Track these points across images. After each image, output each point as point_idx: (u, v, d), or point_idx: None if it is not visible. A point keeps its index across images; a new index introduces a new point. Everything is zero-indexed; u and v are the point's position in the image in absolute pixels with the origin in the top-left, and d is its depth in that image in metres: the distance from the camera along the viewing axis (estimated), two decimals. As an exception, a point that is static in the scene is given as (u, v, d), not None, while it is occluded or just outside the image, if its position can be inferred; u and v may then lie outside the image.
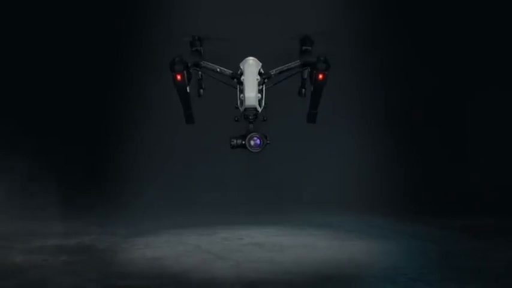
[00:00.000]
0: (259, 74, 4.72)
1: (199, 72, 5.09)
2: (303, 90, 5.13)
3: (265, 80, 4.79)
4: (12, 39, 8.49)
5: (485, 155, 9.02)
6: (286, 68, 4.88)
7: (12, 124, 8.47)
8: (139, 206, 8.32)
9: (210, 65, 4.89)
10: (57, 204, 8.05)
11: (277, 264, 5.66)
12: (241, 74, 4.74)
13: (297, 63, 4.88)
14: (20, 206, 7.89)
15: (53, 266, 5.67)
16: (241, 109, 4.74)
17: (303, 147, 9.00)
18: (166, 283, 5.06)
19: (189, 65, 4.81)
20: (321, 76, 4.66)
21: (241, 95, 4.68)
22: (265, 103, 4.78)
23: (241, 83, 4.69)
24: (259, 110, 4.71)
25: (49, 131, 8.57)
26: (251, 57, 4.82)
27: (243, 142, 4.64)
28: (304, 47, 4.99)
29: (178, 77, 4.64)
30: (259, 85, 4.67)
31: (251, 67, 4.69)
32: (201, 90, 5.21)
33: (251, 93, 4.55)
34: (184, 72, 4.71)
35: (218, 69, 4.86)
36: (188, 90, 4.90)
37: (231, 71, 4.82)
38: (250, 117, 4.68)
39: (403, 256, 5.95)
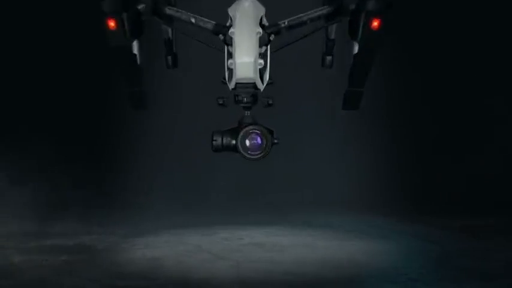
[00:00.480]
0: (261, 26, 2.96)
1: (169, 29, 3.49)
2: (329, 58, 3.57)
3: (271, 38, 3.04)
4: (6, 36, 8.48)
5: (485, 155, 9.03)
6: (306, 17, 3.09)
7: (17, 122, 8.48)
8: (140, 206, 8.34)
9: (180, 12, 3.13)
10: (56, 204, 8.06)
11: (277, 264, 5.68)
12: (231, 26, 2.96)
13: (324, 9, 3.12)
14: (18, 205, 7.90)
15: (53, 266, 5.68)
16: (231, 85, 3.01)
17: (303, 144, 8.99)
18: (166, 283, 5.08)
19: (140, 8, 3.09)
20: (376, 23, 2.85)
21: (230, 62, 2.89)
22: (270, 77, 3.09)
23: (230, 42, 2.92)
24: (261, 87, 2.99)
25: (49, 129, 8.57)
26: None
27: (233, 142, 2.99)
28: None
29: (112, 24, 2.91)
30: (260, 46, 2.92)
31: (247, 14, 2.91)
32: (170, 58, 3.60)
33: (246, 58, 2.78)
34: (124, 16, 2.98)
35: (193, 20, 3.09)
36: (135, 52, 3.30)
37: (213, 22, 3.09)
38: (245, 100, 2.96)
39: (403, 256, 5.97)
